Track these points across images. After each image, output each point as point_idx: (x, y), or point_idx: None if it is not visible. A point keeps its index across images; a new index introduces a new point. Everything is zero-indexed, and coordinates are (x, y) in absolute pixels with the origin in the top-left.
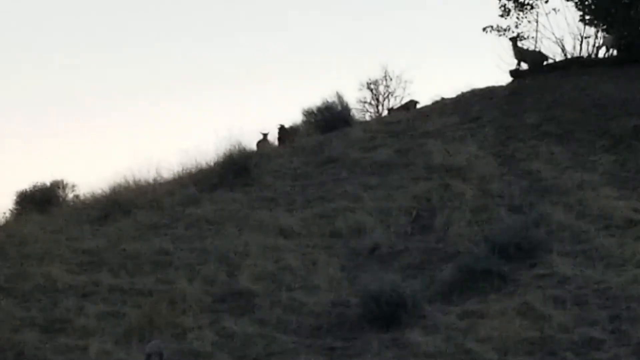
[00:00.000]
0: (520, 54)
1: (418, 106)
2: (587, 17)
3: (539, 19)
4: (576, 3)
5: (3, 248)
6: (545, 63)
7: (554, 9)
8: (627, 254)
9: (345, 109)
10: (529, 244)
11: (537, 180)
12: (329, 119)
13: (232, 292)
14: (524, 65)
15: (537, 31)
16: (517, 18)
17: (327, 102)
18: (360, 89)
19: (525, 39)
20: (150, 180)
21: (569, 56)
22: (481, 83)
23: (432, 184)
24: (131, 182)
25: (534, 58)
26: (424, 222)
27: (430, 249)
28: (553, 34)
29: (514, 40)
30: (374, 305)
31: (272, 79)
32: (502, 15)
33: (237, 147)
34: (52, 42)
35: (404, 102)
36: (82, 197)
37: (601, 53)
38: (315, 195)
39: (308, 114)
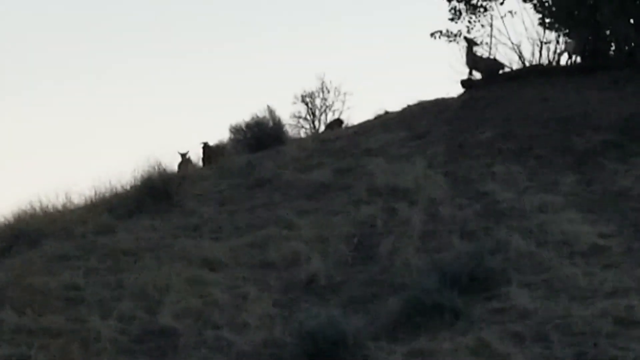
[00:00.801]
0: (474, 61)
1: (365, 123)
2: (547, 21)
3: (494, 23)
4: (535, 5)
5: None
6: (500, 72)
7: (510, 12)
8: (594, 284)
9: (278, 124)
10: (484, 274)
11: (493, 203)
12: (260, 136)
13: (151, 331)
14: (477, 75)
15: (491, 36)
16: (469, 22)
17: (257, 117)
18: (294, 103)
19: (478, 45)
20: (60, 207)
21: (527, 64)
22: (430, 95)
23: (375, 208)
24: (38, 210)
25: (488, 66)
26: (366, 250)
27: (374, 280)
28: (509, 39)
29: (469, 42)
30: (311, 345)
31: (195, 92)
32: (452, 19)
33: (156, 169)
34: None
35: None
36: None
37: (563, 60)
38: (245, 222)
39: (236, 130)
